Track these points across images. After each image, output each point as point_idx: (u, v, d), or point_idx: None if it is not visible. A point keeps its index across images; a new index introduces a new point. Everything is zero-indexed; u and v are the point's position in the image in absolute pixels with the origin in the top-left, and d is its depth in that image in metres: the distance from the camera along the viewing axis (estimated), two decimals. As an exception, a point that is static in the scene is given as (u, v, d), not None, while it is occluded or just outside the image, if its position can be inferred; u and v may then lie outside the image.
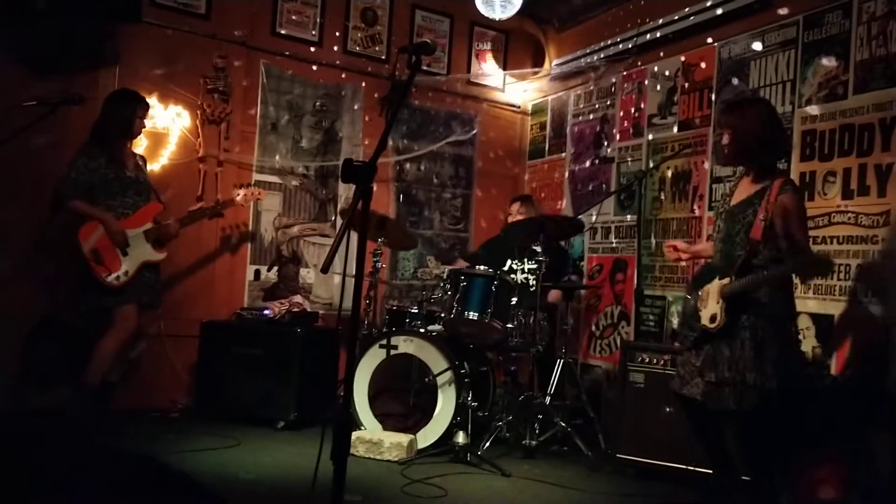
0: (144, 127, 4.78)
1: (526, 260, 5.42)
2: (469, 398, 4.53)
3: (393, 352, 4.68)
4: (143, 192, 4.71)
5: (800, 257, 3.18)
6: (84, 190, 4.48)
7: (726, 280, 3.33)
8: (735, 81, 4.88)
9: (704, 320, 3.39)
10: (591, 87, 6.25)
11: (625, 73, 5.88)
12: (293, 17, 5.89)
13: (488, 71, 6.78)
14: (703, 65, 5.20)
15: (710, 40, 5.14)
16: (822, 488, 3.39)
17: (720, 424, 3.47)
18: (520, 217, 5.54)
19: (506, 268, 5.25)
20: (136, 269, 4.53)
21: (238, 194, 5.18)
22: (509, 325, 4.73)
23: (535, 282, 4.92)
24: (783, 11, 4.65)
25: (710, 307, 3.38)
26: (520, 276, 5.21)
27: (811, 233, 4.32)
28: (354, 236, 2.34)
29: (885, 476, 3.35)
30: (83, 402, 4.34)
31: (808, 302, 4.32)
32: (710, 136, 5.07)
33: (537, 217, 5.31)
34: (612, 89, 6.02)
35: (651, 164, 5.48)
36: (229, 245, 5.62)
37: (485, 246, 6.00)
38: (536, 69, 6.85)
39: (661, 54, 5.55)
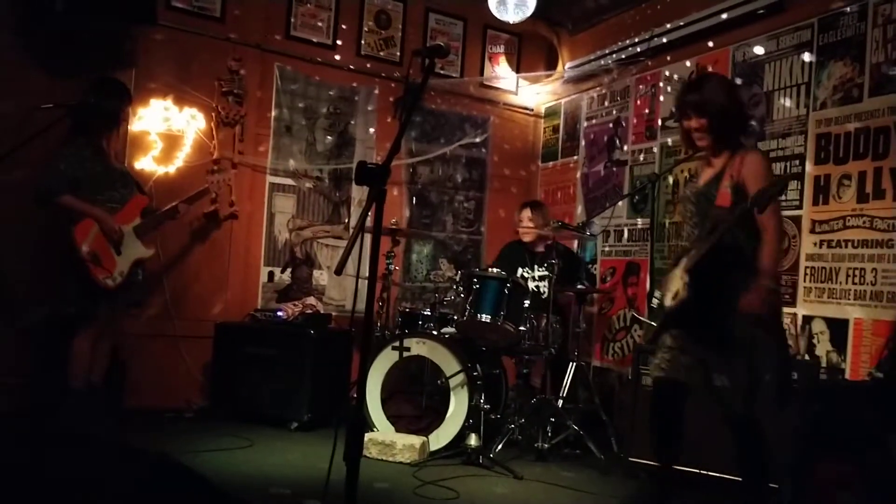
0: (127, 118, 4.67)
1: (536, 267, 5.42)
2: (481, 400, 4.53)
3: (405, 354, 4.69)
4: (129, 185, 4.57)
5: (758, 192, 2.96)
6: (71, 184, 4.26)
7: (690, 254, 3.16)
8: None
9: (668, 301, 3.20)
10: (605, 90, 6.24)
11: (638, 76, 5.87)
12: (307, 21, 5.92)
13: (501, 74, 6.78)
14: (716, 68, 5.19)
15: (709, 43, 5.13)
16: (837, 490, 3.37)
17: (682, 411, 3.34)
18: (530, 225, 5.50)
19: (517, 276, 5.26)
20: (129, 269, 4.41)
21: (210, 181, 5.08)
22: (522, 328, 4.73)
23: (546, 288, 4.93)
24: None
25: (673, 286, 3.18)
26: (531, 284, 5.22)
27: (825, 237, 4.33)
28: (368, 238, 2.36)
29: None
30: (73, 406, 4.26)
31: (822, 306, 4.31)
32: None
33: (550, 240, 5.26)
34: (626, 92, 6.01)
35: (664, 168, 5.47)
36: (243, 248, 5.65)
37: (500, 256, 5.90)
38: (549, 72, 6.85)
39: (675, 57, 5.54)
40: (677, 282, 3.15)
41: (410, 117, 2.77)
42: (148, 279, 4.79)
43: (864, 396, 3.59)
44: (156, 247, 4.82)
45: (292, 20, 5.85)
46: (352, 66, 6.07)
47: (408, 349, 4.70)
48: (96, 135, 4.43)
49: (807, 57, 4.59)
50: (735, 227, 3.05)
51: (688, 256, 3.16)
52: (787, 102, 4.64)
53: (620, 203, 5.77)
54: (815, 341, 4.32)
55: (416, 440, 4.42)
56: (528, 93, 6.93)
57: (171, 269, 5.34)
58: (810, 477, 3.48)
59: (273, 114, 5.79)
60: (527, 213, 5.59)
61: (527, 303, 4.77)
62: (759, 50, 4.76)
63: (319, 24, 5.97)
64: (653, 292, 3.42)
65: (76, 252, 4.24)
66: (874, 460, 3.37)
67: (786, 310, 4.51)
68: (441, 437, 4.54)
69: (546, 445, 4.62)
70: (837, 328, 4.22)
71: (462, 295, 4.85)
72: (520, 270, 5.47)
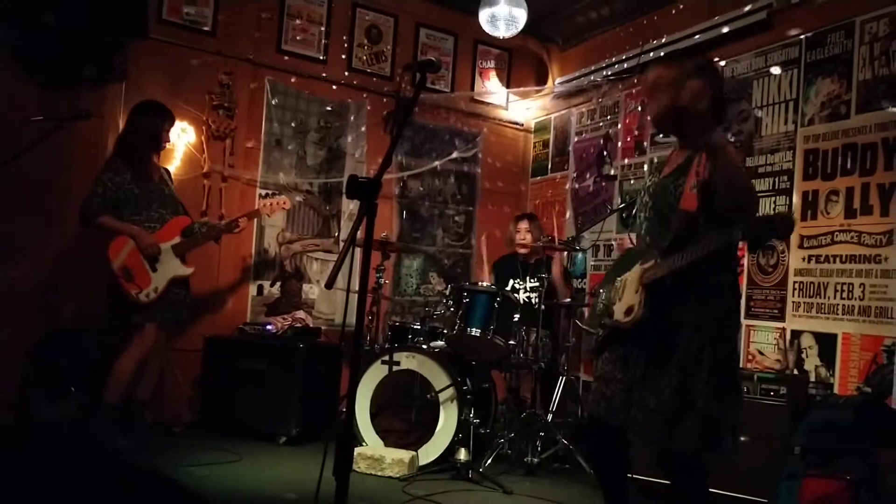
0: (169, 140, 4.77)
1: (528, 279, 5.43)
2: (471, 415, 4.52)
3: (395, 368, 4.68)
4: (169, 205, 4.65)
5: (750, 217, 2.50)
6: (111, 205, 4.42)
7: (650, 263, 2.72)
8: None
9: (618, 314, 2.76)
10: (594, 106, 6.27)
11: (627, 92, 5.90)
12: (298, 35, 5.93)
13: (492, 89, 6.81)
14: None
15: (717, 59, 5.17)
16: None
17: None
18: (528, 236, 5.51)
19: (508, 287, 5.26)
20: (165, 286, 4.48)
21: (264, 204, 5.09)
22: (511, 342, 4.72)
23: (538, 299, 4.93)
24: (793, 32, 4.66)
25: (627, 298, 2.75)
26: (522, 296, 5.22)
27: (813, 252, 4.36)
28: (359, 252, 2.35)
29: (889, 494, 3.34)
30: (104, 419, 4.31)
31: (811, 321, 4.33)
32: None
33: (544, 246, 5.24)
34: (615, 108, 6.04)
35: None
36: (233, 261, 5.63)
37: (495, 266, 5.89)
38: (540, 87, 6.88)
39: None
40: (632, 296, 2.74)
41: (402, 132, 2.76)
42: (191, 299, 4.81)
43: (852, 411, 3.60)
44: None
45: (283, 34, 5.87)
46: (343, 81, 6.08)
47: (397, 363, 4.68)
48: (138, 156, 4.53)
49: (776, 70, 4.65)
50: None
51: (647, 267, 2.73)
52: (772, 121, 4.68)
53: (610, 218, 5.80)
54: (804, 356, 4.34)
55: (405, 454, 4.40)
56: (519, 108, 6.96)
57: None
58: (798, 492, 3.48)
59: (264, 127, 5.80)
60: (524, 224, 5.60)
61: (517, 317, 4.77)
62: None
63: (310, 38, 5.98)
64: (598, 291, 2.97)
65: (109, 268, 4.37)
66: (863, 474, 3.38)
67: (775, 324, 4.54)
68: (430, 452, 4.53)
69: (535, 460, 4.61)
70: (826, 343, 4.24)
71: (452, 309, 4.84)
72: (511, 282, 5.47)
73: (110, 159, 4.54)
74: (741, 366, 4.61)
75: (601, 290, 2.95)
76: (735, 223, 2.48)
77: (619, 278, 2.85)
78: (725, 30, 5.02)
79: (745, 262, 4.77)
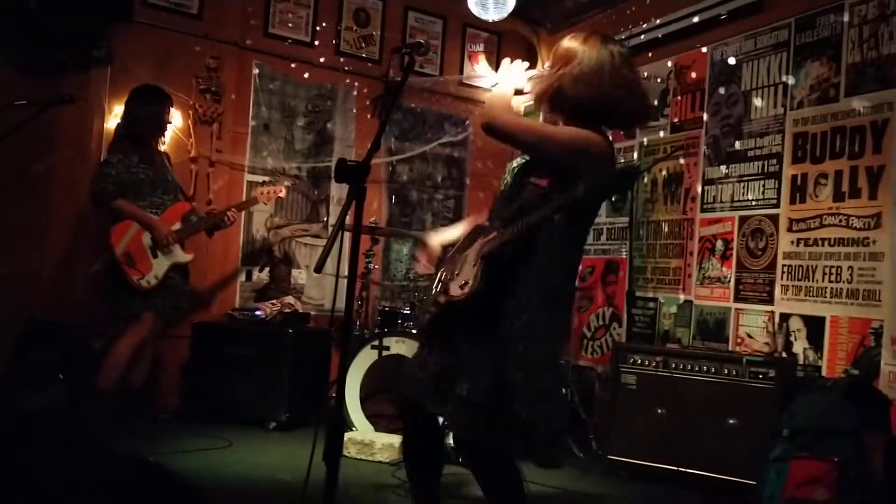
0: (170, 123, 4.78)
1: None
2: (461, 399, 4.52)
3: (385, 353, 4.68)
4: (171, 191, 4.66)
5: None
6: (121, 189, 4.40)
7: (490, 236, 2.50)
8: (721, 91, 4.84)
9: (453, 290, 2.47)
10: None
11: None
12: (286, 18, 5.88)
13: (481, 72, 6.77)
14: (695, 67, 5.22)
15: (700, 46, 5.16)
16: (813, 487, 3.40)
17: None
18: None
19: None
20: (165, 272, 4.49)
21: (261, 192, 5.10)
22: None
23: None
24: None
25: (464, 273, 2.49)
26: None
27: (801, 235, 4.37)
28: (348, 237, 2.33)
29: (876, 476, 3.37)
30: (98, 408, 4.30)
31: (799, 304, 4.35)
32: (703, 138, 5.09)
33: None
34: (605, 91, 6.01)
35: (643, 166, 5.48)
36: (221, 246, 5.59)
37: None
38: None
39: (654, 56, 5.55)
40: (469, 269, 2.48)
41: (390, 115, 2.75)
42: (189, 284, 4.83)
43: (839, 393, 3.62)
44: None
45: (270, 17, 5.81)
46: (331, 64, 6.04)
47: (387, 348, 4.68)
48: (142, 141, 4.54)
49: (790, 80, 4.59)
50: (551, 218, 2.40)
51: (487, 239, 2.50)
52: (761, 103, 4.68)
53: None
54: (792, 339, 4.36)
55: (395, 439, 4.40)
56: (508, 92, 6.91)
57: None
58: (786, 473, 3.51)
59: (251, 112, 5.75)
60: None
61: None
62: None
63: (298, 21, 5.93)
64: (439, 269, 2.72)
65: (111, 254, 4.35)
66: (850, 456, 3.40)
67: (763, 307, 4.56)
68: (421, 437, 4.52)
69: (525, 444, 4.61)
70: (814, 326, 4.26)
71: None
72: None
73: (117, 142, 4.54)
74: (729, 349, 4.63)
75: (439, 272, 2.69)
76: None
77: (458, 256, 2.61)
78: (715, 13, 5.00)
79: (734, 246, 4.78)
